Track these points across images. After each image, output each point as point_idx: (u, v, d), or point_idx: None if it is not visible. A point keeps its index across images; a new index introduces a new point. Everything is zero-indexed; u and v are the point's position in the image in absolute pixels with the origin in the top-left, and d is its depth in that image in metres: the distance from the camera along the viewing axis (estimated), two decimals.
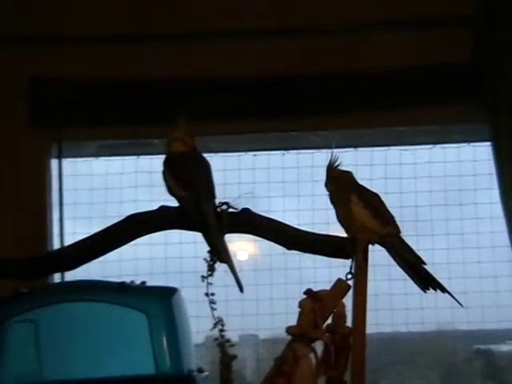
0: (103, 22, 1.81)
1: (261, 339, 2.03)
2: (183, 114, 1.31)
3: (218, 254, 1.26)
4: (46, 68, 1.79)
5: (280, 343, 1.25)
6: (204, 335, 1.76)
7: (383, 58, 1.79)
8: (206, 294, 1.28)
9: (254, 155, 1.91)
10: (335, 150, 1.34)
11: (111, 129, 1.80)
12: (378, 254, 1.33)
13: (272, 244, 1.32)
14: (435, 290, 1.30)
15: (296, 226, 1.32)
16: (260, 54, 1.79)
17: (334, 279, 1.25)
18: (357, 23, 1.80)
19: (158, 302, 1.28)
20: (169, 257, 1.87)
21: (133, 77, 1.79)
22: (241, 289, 1.25)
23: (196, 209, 1.25)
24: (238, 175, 1.89)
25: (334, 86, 1.80)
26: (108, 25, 1.81)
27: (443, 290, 1.29)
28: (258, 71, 1.78)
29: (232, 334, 1.32)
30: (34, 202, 1.81)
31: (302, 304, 1.22)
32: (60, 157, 1.83)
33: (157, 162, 1.37)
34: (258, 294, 1.84)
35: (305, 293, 1.23)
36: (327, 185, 1.32)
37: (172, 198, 1.30)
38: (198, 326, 1.49)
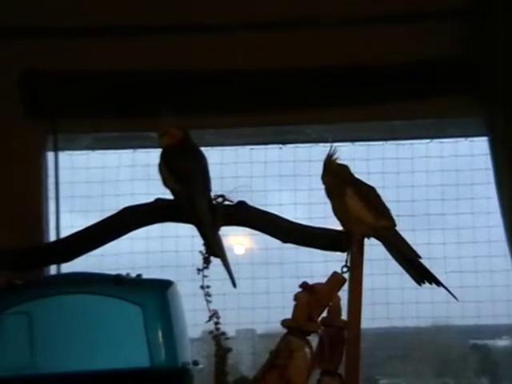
0: (98, 14, 1.80)
1: (257, 334, 2.03)
2: (166, 107, 1.31)
3: (211, 247, 1.26)
4: (42, 60, 1.79)
5: (276, 338, 1.25)
6: (200, 329, 1.76)
7: (380, 52, 1.79)
8: (202, 287, 1.28)
9: (251, 149, 1.91)
10: (334, 144, 1.34)
11: (107, 121, 1.79)
12: (374, 248, 1.33)
13: (268, 238, 1.33)
14: (430, 283, 1.30)
15: (292, 220, 1.32)
16: (257, 47, 1.79)
17: (330, 273, 1.26)
18: (354, 17, 1.79)
19: (153, 295, 1.28)
20: (165, 250, 1.88)
21: (129, 69, 1.78)
22: (234, 283, 1.25)
23: (190, 202, 1.25)
24: (235, 169, 1.89)
25: (331, 80, 1.79)
26: (103, 17, 1.80)
27: (438, 283, 1.29)
28: (256, 64, 1.78)
29: (228, 328, 1.32)
30: (30, 195, 1.80)
31: (297, 297, 1.22)
32: (56, 149, 1.83)
33: (153, 156, 1.37)
34: (254, 287, 1.85)
35: (300, 286, 1.23)
36: (323, 177, 1.32)
37: (169, 192, 1.30)
38: (194, 320, 1.49)
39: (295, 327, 1.21)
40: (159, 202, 1.29)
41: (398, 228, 1.32)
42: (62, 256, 1.33)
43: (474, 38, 1.76)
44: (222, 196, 1.29)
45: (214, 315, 1.28)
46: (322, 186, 1.33)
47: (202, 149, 1.35)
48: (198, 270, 1.28)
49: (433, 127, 1.87)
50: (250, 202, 1.31)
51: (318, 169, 1.33)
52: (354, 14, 1.80)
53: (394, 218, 1.32)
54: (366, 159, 1.88)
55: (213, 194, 1.30)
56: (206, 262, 1.28)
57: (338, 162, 1.32)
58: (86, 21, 1.81)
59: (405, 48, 1.78)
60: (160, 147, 1.33)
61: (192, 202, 1.25)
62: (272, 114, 1.80)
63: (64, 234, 1.69)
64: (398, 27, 1.79)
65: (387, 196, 1.36)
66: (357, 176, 1.34)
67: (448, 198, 1.89)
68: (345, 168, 1.32)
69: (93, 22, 1.80)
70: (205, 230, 1.25)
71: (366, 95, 1.79)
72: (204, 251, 1.28)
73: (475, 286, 1.83)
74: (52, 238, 1.80)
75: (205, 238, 1.26)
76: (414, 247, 1.31)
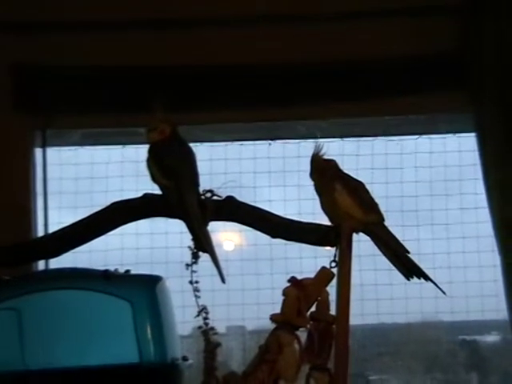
0: (88, 9, 1.79)
1: (247, 330, 2.04)
2: (156, 102, 1.31)
3: (200, 242, 1.26)
4: (31, 55, 1.78)
5: (266, 334, 1.25)
6: (190, 326, 1.76)
7: (369, 48, 1.79)
8: (190, 282, 1.28)
9: (241, 145, 1.91)
10: (321, 140, 1.34)
11: (96, 117, 1.79)
12: (363, 244, 1.33)
13: (258, 234, 1.33)
14: (419, 278, 1.30)
15: (281, 215, 1.32)
16: (246, 42, 1.78)
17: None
18: (344, 12, 1.79)
19: (142, 290, 1.28)
20: (154, 247, 1.87)
21: (118, 64, 1.78)
22: (222, 279, 1.25)
23: (178, 197, 1.25)
24: (225, 165, 1.88)
25: (320, 76, 1.79)
26: (93, 11, 1.79)
27: (427, 278, 1.30)
28: (244, 60, 1.78)
29: (218, 325, 1.32)
30: (18, 190, 1.79)
31: (286, 292, 1.23)
32: (44, 145, 1.82)
33: (142, 152, 1.36)
34: (244, 283, 1.85)
35: (289, 281, 1.24)
36: (312, 175, 1.32)
37: (158, 187, 1.30)
38: (183, 317, 1.49)
39: (284, 322, 1.21)
40: (147, 196, 1.29)
41: (386, 224, 1.33)
42: (50, 251, 1.33)
43: (465, 35, 1.76)
44: (210, 191, 1.29)
45: (202, 310, 1.28)
46: (312, 182, 1.33)
47: (191, 144, 1.35)
48: (187, 265, 1.29)
49: (422, 123, 1.87)
50: (239, 198, 1.31)
51: (308, 165, 1.34)
52: (343, 10, 1.80)
53: (383, 213, 1.33)
54: (356, 155, 1.88)
55: (201, 190, 1.30)
56: (195, 257, 1.28)
57: (325, 157, 1.33)
58: (75, 16, 1.79)
59: (394, 44, 1.78)
60: (148, 143, 1.33)
61: (180, 197, 1.25)
62: (261, 109, 1.79)
63: (52, 230, 1.69)
64: (388, 23, 1.79)
65: (376, 192, 1.36)
66: (346, 172, 1.34)
67: (437, 193, 1.89)
68: (332, 163, 1.33)
69: (82, 17, 1.79)
70: (193, 224, 1.25)
71: (356, 91, 1.79)
72: (193, 246, 1.29)
73: (464, 282, 1.83)
74: (40, 234, 1.80)
75: (193, 233, 1.26)
76: (403, 243, 1.32)
